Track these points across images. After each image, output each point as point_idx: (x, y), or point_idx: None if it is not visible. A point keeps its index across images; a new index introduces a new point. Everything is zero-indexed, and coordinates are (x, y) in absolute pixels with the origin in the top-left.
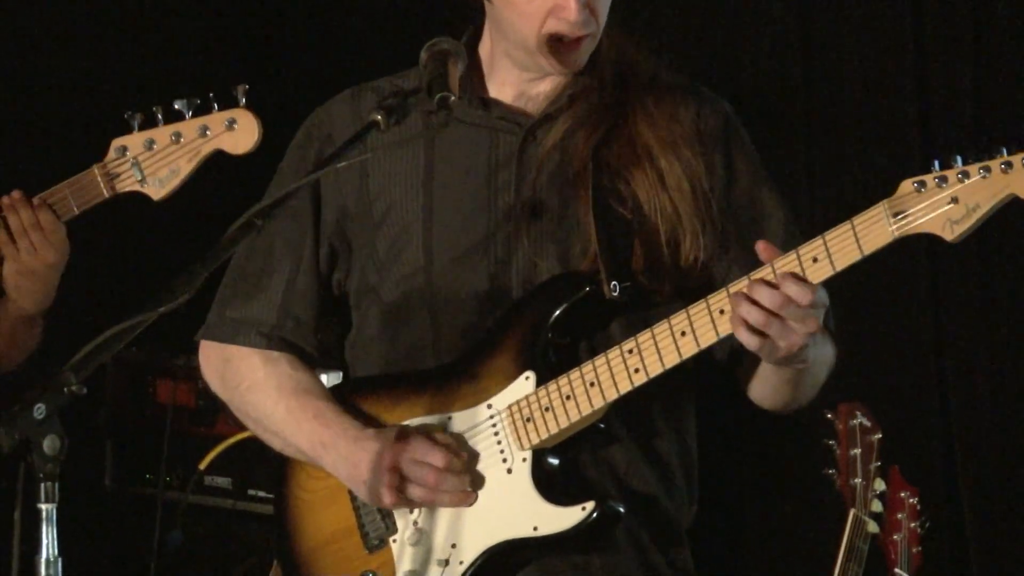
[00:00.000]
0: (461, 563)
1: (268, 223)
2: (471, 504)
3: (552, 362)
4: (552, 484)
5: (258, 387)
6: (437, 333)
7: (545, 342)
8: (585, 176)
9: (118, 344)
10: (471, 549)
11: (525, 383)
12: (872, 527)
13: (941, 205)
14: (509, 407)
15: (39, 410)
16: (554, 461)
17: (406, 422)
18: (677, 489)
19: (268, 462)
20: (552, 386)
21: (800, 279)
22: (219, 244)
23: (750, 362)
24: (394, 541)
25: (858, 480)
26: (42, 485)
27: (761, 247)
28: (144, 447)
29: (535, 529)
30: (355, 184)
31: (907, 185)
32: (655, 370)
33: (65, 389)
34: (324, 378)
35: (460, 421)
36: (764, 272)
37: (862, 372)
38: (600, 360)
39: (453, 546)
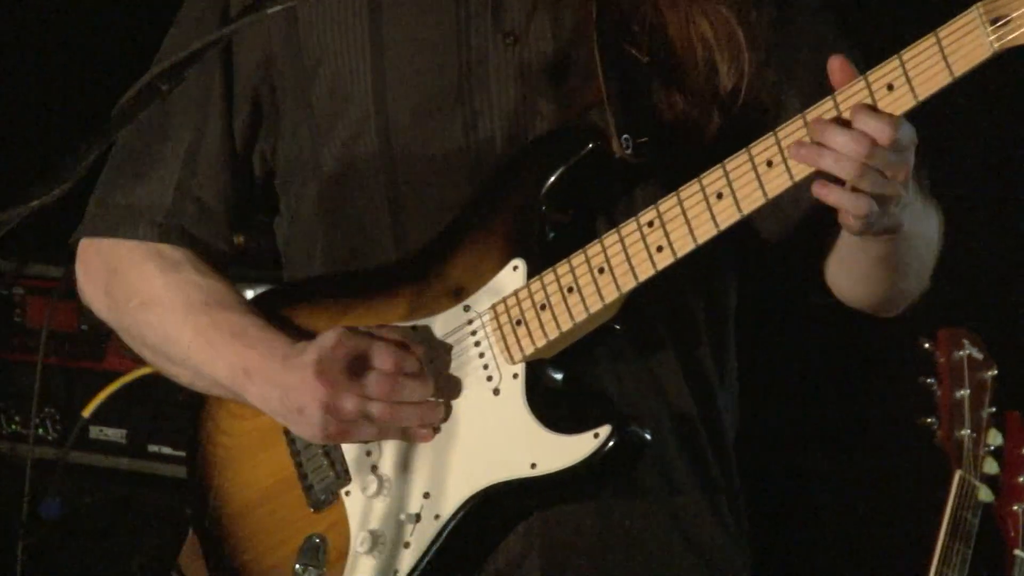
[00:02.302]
0: (437, 517)
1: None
2: (443, 420)
3: (550, 246)
4: (553, 407)
5: (156, 303)
6: (397, 211)
7: (539, 219)
8: (587, 3)
9: None
10: (450, 499)
11: (513, 275)
12: (984, 494)
13: None
14: (493, 307)
15: None
16: (556, 376)
17: None
18: (719, 408)
19: (176, 406)
20: (549, 277)
21: (876, 111)
22: (111, 116)
23: (822, 242)
24: (347, 494)
25: (966, 431)
26: None
27: (836, 64)
28: (8, 386)
29: (533, 467)
30: (281, 26)
31: None
32: (684, 247)
33: None
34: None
35: (428, 330)
36: (824, 107)
37: (971, 290)
38: (611, 238)
39: (426, 496)
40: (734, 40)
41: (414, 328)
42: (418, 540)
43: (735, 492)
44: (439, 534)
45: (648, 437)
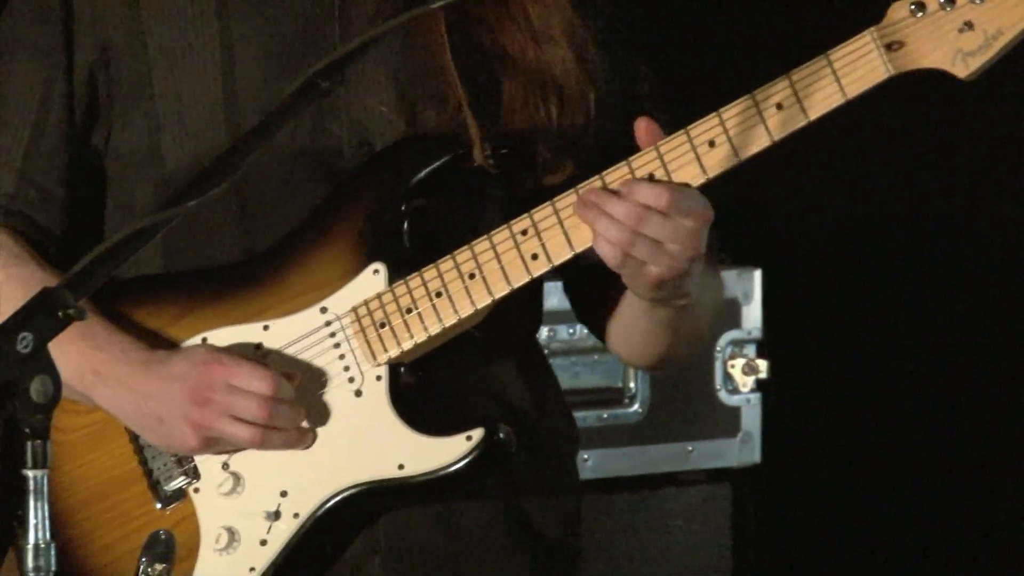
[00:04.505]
0: (296, 515)
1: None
2: (308, 445)
3: (408, 251)
4: (419, 409)
5: None
6: (243, 209)
7: (398, 223)
8: (437, 18)
9: (131, 251)
10: (311, 497)
11: (374, 278)
12: None
13: (950, 32)
14: (355, 310)
15: (24, 341)
16: (416, 379)
17: (203, 335)
18: (554, 413)
19: None
20: (415, 281)
21: (651, 180)
22: (269, 114)
23: (608, 297)
24: (196, 491)
25: None
26: (29, 444)
27: (643, 127)
28: None
29: (401, 467)
30: (121, 12)
31: (900, 8)
32: (561, 255)
33: (60, 313)
34: None
35: (281, 331)
36: (648, 157)
37: None
38: (482, 245)
39: (284, 494)
40: (575, 84)
41: (265, 328)
42: (276, 538)
43: (574, 492)
44: (298, 532)
45: (515, 441)
